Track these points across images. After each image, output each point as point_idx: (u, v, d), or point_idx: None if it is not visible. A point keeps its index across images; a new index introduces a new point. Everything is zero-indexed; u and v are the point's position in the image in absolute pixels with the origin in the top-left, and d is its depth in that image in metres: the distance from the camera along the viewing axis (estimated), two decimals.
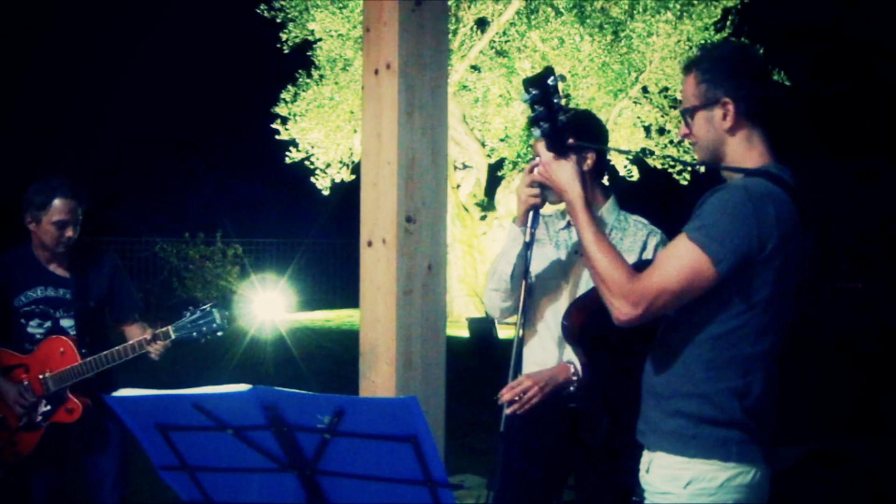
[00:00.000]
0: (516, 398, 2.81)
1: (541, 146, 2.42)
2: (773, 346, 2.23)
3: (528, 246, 2.79)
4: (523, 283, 2.78)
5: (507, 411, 2.79)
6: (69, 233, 3.63)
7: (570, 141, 2.39)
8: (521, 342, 2.78)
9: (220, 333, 3.61)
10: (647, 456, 2.32)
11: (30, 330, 3.68)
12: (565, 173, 2.36)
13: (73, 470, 3.79)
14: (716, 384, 2.19)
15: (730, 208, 2.13)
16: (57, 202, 3.59)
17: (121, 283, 3.87)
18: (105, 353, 3.57)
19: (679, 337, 2.25)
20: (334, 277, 17.49)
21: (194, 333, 3.57)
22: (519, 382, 2.82)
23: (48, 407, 3.62)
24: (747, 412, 2.20)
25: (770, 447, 2.26)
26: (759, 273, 2.14)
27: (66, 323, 3.70)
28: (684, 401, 2.22)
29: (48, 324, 3.69)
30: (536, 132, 2.38)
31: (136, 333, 3.75)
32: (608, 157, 3.05)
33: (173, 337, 3.56)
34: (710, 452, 2.20)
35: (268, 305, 13.63)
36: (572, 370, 2.89)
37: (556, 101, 2.34)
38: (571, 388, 2.90)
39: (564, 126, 2.36)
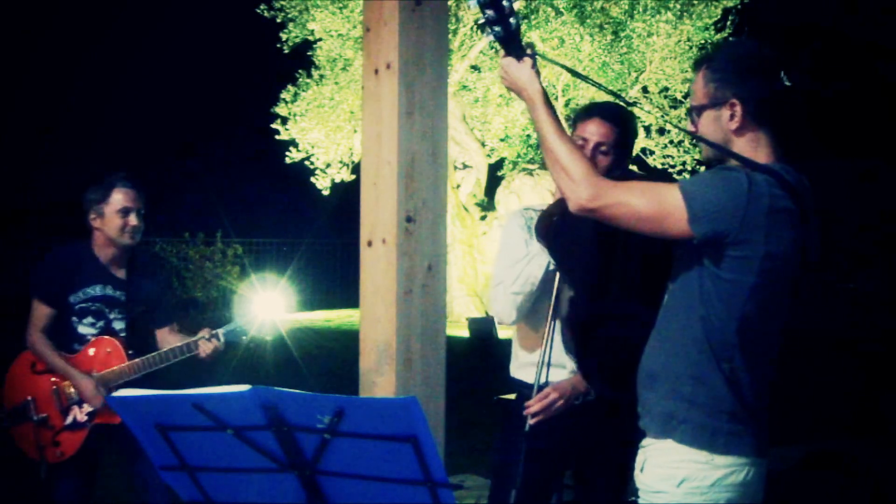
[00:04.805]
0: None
1: (502, 54, 2.40)
2: (760, 339, 2.23)
3: None
4: (555, 287, 2.79)
5: (532, 421, 2.82)
6: (133, 221, 3.65)
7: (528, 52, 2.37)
8: (552, 347, 2.81)
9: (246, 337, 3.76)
10: (641, 455, 2.34)
11: (81, 329, 3.66)
12: (524, 73, 2.36)
13: (114, 477, 3.77)
14: (707, 366, 2.20)
15: (728, 185, 2.14)
16: (117, 192, 3.65)
17: (169, 291, 3.95)
18: (154, 354, 3.59)
19: (675, 320, 2.27)
20: (334, 277, 17.46)
21: (242, 337, 3.74)
22: (546, 395, 2.85)
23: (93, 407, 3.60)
24: (738, 400, 2.20)
25: (761, 442, 2.26)
26: (742, 259, 2.15)
27: (119, 325, 3.70)
28: (679, 382, 2.23)
29: (101, 323, 3.68)
30: (490, 37, 2.35)
31: (171, 339, 3.76)
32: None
33: (222, 340, 3.65)
34: (699, 441, 2.20)
35: (268, 305, 13.60)
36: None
37: (505, 3, 2.28)
38: (589, 397, 2.91)
39: (518, 28, 2.33)
